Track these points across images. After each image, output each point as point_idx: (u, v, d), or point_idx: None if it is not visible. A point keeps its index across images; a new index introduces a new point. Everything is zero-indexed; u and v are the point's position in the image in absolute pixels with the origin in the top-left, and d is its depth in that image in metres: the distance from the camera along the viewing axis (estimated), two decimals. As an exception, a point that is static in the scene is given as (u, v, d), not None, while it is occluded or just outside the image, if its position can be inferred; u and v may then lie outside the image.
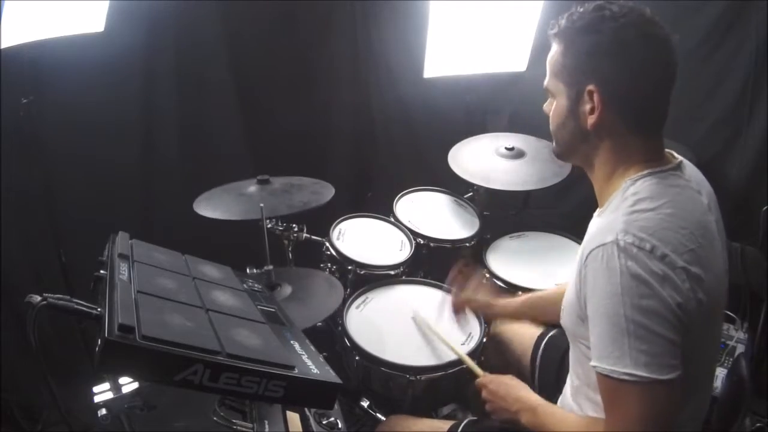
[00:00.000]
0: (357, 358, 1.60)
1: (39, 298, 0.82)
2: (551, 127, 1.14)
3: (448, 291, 1.86)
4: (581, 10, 1.04)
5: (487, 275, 1.97)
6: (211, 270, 1.25)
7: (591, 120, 1.04)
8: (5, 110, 1.95)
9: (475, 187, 2.31)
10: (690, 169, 1.10)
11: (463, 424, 1.35)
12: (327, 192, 1.90)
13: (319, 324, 1.80)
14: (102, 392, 1.01)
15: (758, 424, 1.88)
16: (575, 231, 2.10)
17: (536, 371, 1.53)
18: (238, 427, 1.09)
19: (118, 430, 1.05)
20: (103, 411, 1.00)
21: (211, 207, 1.78)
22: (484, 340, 1.65)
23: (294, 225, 1.98)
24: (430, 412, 1.69)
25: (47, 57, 1.92)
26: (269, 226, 1.89)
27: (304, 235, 1.98)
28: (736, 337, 2.01)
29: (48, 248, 2.09)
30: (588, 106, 1.03)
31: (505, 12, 2.29)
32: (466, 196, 2.34)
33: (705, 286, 0.95)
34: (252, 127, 2.72)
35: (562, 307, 1.13)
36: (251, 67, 2.64)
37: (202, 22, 2.47)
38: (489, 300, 1.61)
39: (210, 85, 2.58)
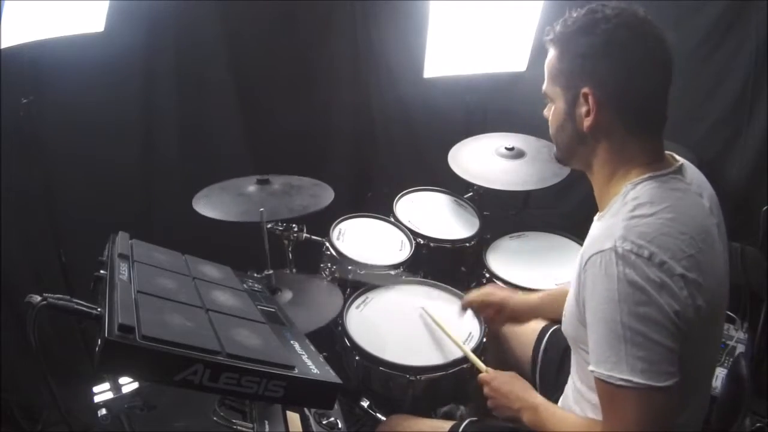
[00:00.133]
0: (357, 358, 1.60)
1: (39, 298, 0.83)
2: (551, 131, 1.15)
3: (448, 291, 1.87)
4: (575, 14, 1.05)
5: (487, 275, 1.97)
6: (211, 270, 1.25)
7: (587, 122, 1.04)
8: (5, 110, 1.95)
9: (475, 187, 2.31)
10: (692, 171, 1.10)
11: (464, 425, 1.35)
12: (326, 195, 1.89)
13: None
14: (102, 392, 1.01)
15: (758, 424, 1.88)
16: (575, 231, 2.11)
17: (538, 365, 1.52)
18: (238, 427, 1.09)
19: (118, 430, 1.05)
20: (103, 411, 1.00)
21: (210, 206, 1.78)
22: (484, 339, 1.65)
23: (294, 225, 1.98)
24: (430, 412, 1.69)
25: (47, 57, 1.92)
26: (269, 226, 1.89)
27: (304, 235, 1.98)
28: (736, 337, 2.01)
29: (48, 248, 2.09)
30: (584, 109, 1.04)
31: (505, 12, 2.29)
32: (466, 196, 2.34)
33: (704, 292, 0.95)
34: (252, 127, 2.72)
35: (563, 313, 1.13)
36: (251, 67, 2.64)
37: (202, 22, 2.47)
38: (504, 296, 1.57)
39: (210, 85, 2.58)
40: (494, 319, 1.57)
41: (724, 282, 1.07)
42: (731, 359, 1.91)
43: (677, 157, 1.10)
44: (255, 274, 1.63)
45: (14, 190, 2.05)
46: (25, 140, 1.96)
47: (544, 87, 1.12)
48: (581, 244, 1.06)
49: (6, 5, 1.59)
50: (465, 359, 1.54)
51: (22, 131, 1.94)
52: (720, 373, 1.85)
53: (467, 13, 2.26)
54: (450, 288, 1.87)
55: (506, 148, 2.19)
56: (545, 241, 2.17)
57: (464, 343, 1.62)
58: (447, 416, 1.72)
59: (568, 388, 1.24)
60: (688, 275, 0.93)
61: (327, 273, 1.96)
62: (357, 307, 1.78)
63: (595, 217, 1.13)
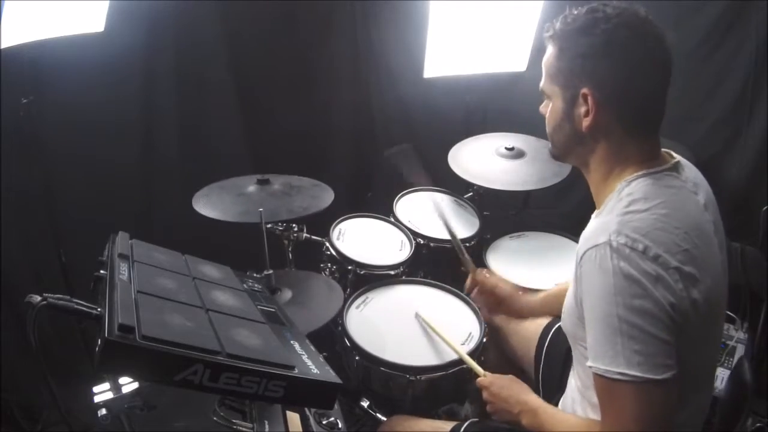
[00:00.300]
0: (357, 358, 1.60)
1: (39, 298, 0.82)
2: (547, 129, 1.15)
3: (448, 291, 1.87)
4: (575, 12, 1.05)
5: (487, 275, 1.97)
6: (211, 270, 1.25)
7: (586, 122, 1.04)
8: (5, 110, 1.95)
9: (475, 187, 2.31)
10: (688, 169, 1.10)
11: (465, 425, 1.35)
12: (326, 196, 1.89)
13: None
14: (102, 392, 1.01)
15: (758, 424, 1.88)
16: (575, 231, 2.09)
17: (541, 363, 1.52)
18: (238, 427, 1.09)
19: (118, 430, 1.05)
20: (103, 411, 1.00)
21: (210, 206, 1.78)
22: (485, 340, 1.65)
23: (294, 225, 1.98)
24: (430, 412, 1.69)
25: (47, 57, 1.91)
26: (269, 226, 1.89)
27: (304, 235, 1.98)
28: (736, 337, 2.01)
29: (48, 248, 2.09)
30: (583, 109, 1.04)
31: (505, 12, 2.29)
32: (466, 196, 2.34)
33: (700, 286, 0.95)
34: (252, 127, 2.72)
35: (563, 311, 1.13)
36: (251, 67, 2.64)
37: (201, 22, 2.47)
38: (512, 291, 1.58)
39: (210, 85, 2.58)
40: (492, 309, 1.57)
41: (723, 280, 1.07)
42: (731, 359, 1.92)
43: (674, 154, 1.10)
44: (255, 274, 1.63)
45: (14, 190, 2.05)
46: (25, 140, 1.96)
47: (541, 84, 1.12)
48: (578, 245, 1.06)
49: (6, 5, 1.59)
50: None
51: (22, 131, 1.94)
52: (721, 374, 1.85)
53: (467, 13, 2.26)
54: (450, 288, 1.87)
55: (506, 148, 2.19)
56: (545, 241, 2.17)
57: (464, 344, 1.62)
58: (450, 414, 1.72)
59: (569, 388, 1.24)
60: (684, 268, 0.93)
61: (327, 273, 1.96)
62: (357, 307, 1.78)
63: (593, 215, 1.13)
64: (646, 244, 0.92)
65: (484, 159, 2.20)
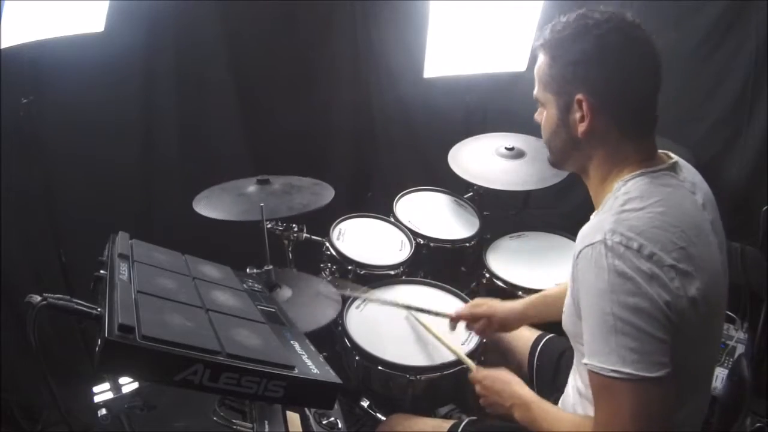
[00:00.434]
0: (357, 358, 1.60)
1: (39, 298, 0.83)
2: (543, 136, 1.15)
3: (448, 291, 1.87)
4: (564, 19, 1.05)
5: (487, 275, 1.97)
6: (211, 270, 1.25)
7: (581, 128, 1.04)
8: (5, 110, 1.95)
9: (475, 187, 2.31)
10: (686, 169, 1.10)
11: (463, 424, 1.35)
12: (327, 194, 1.89)
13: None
14: (102, 392, 1.01)
15: (758, 424, 1.88)
16: (575, 231, 2.06)
17: (534, 375, 1.54)
18: (238, 427, 1.09)
19: (118, 430, 1.05)
20: (103, 411, 1.00)
21: (210, 207, 1.78)
22: (484, 340, 1.65)
23: (294, 225, 1.98)
24: (430, 412, 1.69)
25: (47, 57, 1.92)
26: (269, 226, 1.89)
27: (304, 235, 1.98)
28: (736, 337, 2.01)
29: (48, 248, 2.09)
30: (578, 115, 1.04)
31: (505, 12, 2.29)
32: (466, 196, 2.34)
33: (698, 285, 0.95)
34: (252, 127, 2.72)
35: (563, 311, 1.14)
36: (251, 67, 2.64)
37: (201, 22, 2.48)
38: (490, 305, 1.57)
39: (210, 85, 2.58)
40: (485, 330, 1.57)
41: (722, 280, 1.07)
42: (731, 359, 1.91)
43: (671, 155, 1.10)
44: (255, 270, 1.63)
45: (14, 190, 2.05)
46: (25, 140, 1.96)
47: (534, 92, 1.13)
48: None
49: (6, 5, 1.59)
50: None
51: (22, 131, 1.94)
52: (720, 373, 1.85)
53: (467, 13, 2.26)
54: (450, 288, 1.87)
55: (506, 148, 2.20)
56: (545, 241, 2.17)
57: (464, 344, 1.62)
58: (448, 418, 1.72)
59: (569, 387, 1.24)
60: (679, 266, 0.94)
61: (327, 273, 1.96)
62: (357, 307, 1.78)
63: (592, 216, 1.14)
64: (641, 242, 0.93)
65: (484, 159, 2.20)
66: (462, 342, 1.63)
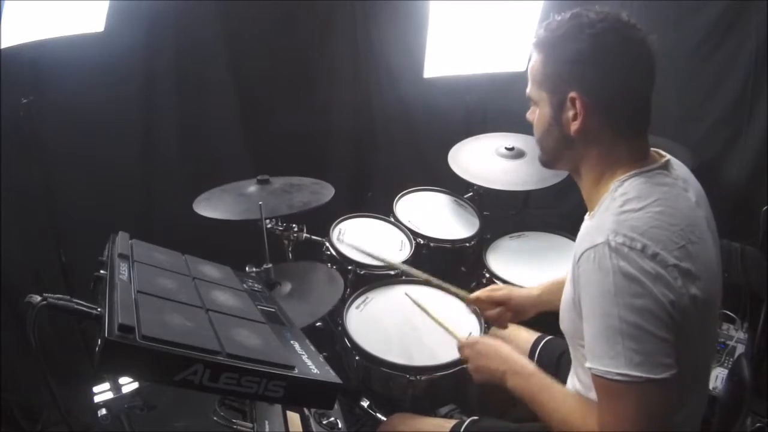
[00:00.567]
0: (357, 358, 1.60)
1: (39, 298, 0.83)
2: (536, 135, 1.15)
3: (448, 291, 1.86)
4: (558, 18, 1.05)
5: (487, 275, 1.97)
6: (211, 270, 1.25)
7: (575, 126, 1.04)
8: (5, 110, 1.95)
9: (475, 187, 2.31)
10: (677, 167, 1.10)
11: (465, 424, 1.35)
12: (327, 192, 1.90)
13: (319, 324, 1.80)
14: (102, 392, 1.01)
15: (758, 424, 1.88)
16: (575, 231, 2.06)
17: None
18: (238, 427, 1.09)
19: (118, 430, 1.05)
20: (103, 411, 1.00)
21: (210, 207, 1.78)
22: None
23: (294, 225, 1.98)
24: (430, 412, 1.69)
25: (47, 57, 1.92)
26: (269, 226, 1.89)
27: (304, 235, 1.98)
28: (736, 337, 2.01)
29: (48, 248, 2.09)
30: (571, 113, 1.04)
31: (505, 12, 2.29)
32: (466, 196, 2.34)
33: (698, 283, 0.96)
34: (252, 127, 2.72)
35: (560, 312, 1.13)
36: (251, 67, 2.64)
37: (201, 22, 2.48)
38: (509, 289, 1.57)
39: (210, 85, 2.58)
40: (500, 316, 1.56)
41: (718, 275, 1.07)
42: (731, 359, 1.91)
43: (662, 152, 1.10)
44: (254, 269, 1.63)
45: (14, 190, 2.05)
46: (25, 140, 1.96)
47: (527, 91, 1.13)
48: (574, 246, 1.06)
49: (6, 5, 1.59)
50: (465, 359, 1.54)
51: (22, 131, 1.94)
52: (720, 373, 1.85)
53: (467, 13, 2.26)
54: (450, 288, 1.87)
55: (506, 148, 2.20)
56: (545, 241, 2.17)
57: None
58: (448, 418, 1.72)
59: (569, 387, 1.24)
60: (681, 265, 0.94)
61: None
62: (357, 307, 1.78)
63: (586, 217, 1.14)
64: (644, 242, 0.93)
65: (484, 159, 2.20)
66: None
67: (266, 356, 0.88)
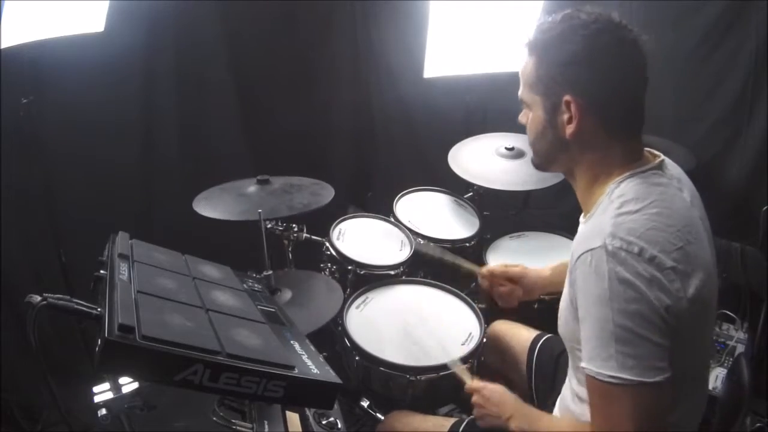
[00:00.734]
0: (357, 358, 1.60)
1: (39, 298, 0.82)
2: (529, 138, 1.15)
3: (448, 291, 1.86)
4: (550, 19, 1.04)
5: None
6: (211, 270, 1.25)
7: (569, 129, 1.04)
8: (5, 110, 1.95)
9: (475, 187, 2.31)
10: (671, 167, 1.10)
11: (465, 423, 1.35)
12: (327, 193, 1.90)
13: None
14: (102, 392, 1.01)
15: (758, 424, 1.88)
16: (575, 231, 2.09)
17: (532, 374, 1.53)
18: (238, 427, 1.09)
19: (118, 430, 1.05)
20: (103, 411, 1.00)
21: (210, 206, 1.78)
22: (484, 340, 1.65)
23: (294, 225, 1.98)
24: (430, 412, 1.69)
25: (47, 57, 1.92)
26: (269, 226, 1.89)
27: (304, 235, 1.98)
28: (736, 337, 2.01)
29: (48, 248, 2.09)
30: (566, 116, 1.04)
31: (505, 12, 2.29)
32: (466, 196, 2.34)
33: (696, 283, 0.96)
34: (252, 127, 2.72)
35: (558, 315, 1.13)
36: (251, 67, 2.64)
37: (201, 22, 2.48)
38: (524, 266, 1.57)
39: (210, 85, 2.59)
40: (511, 293, 1.56)
41: (714, 275, 1.07)
42: (731, 359, 1.91)
43: (656, 152, 1.10)
44: (254, 275, 1.63)
45: (14, 190, 2.06)
46: (25, 140, 1.97)
47: (520, 93, 1.12)
48: (571, 248, 1.06)
49: (6, 5, 1.59)
50: (465, 359, 1.54)
51: (22, 131, 1.94)
52: (720, 374, 1.85)
53: (467, 13, 2.26)
54: (450, 288, 1.87)
55: (506, 148, 2.20)
56: (545, 241, 2.17)
57: (464, 344, 1.63)
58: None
59: (566, 389, 1.24)
60: (679, 267, 0.94)
61: (327, 273, 1.96)
62: (357, 307, 1.78)
63: (581, 219, 1.14)
64: (642, 245, 0.93)
65: (484, 159, 2.20)
66: (462, 342, 1.63)
67: (266, 356, 0.88)
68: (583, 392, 1.14)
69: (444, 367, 1.54)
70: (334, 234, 2.03)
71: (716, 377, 1.84)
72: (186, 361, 0.78)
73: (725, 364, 1.89)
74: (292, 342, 1.04)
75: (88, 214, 2.29)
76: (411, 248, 2.02)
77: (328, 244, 1.97)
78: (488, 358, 1.68)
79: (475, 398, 1.29)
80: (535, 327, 1.65)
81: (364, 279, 1.90)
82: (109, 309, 0.83)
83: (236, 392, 0.82)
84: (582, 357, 0.98)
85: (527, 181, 2.09)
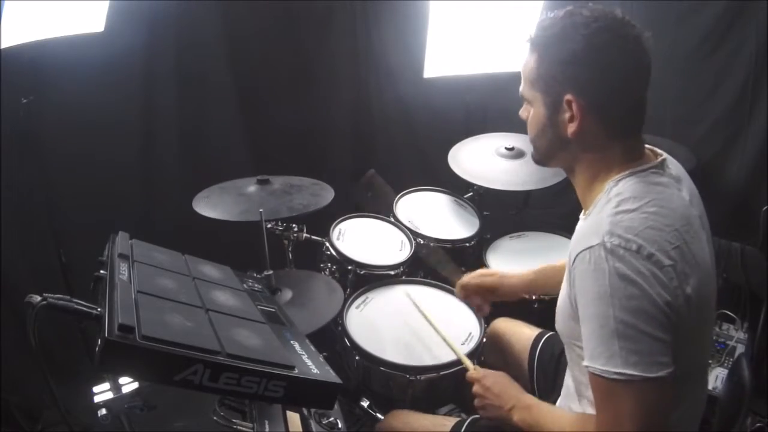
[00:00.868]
0: (357, 358, 1.60)
1: (39, 298, 0.82)
2: (529, 134, 1.14)
3: (448, 291, 1.86)
4: (552, 16, 1.03)
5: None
6: (211, 270, 1.25)
7: (571, 128, 1.03)
8: (5, 110, 1.95)
9: (475, 187, 2.31)
10: (673, 165, 1.10)
11: (467, 423, 1.35)
12: (326, 194, 1.89)
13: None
14: (102, 392, 1.02)
15: (758, 424, 1.88)
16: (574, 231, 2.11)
17: (534, 372, 1.53)
18: (238, 427, 1.09)
19: (118, 430, 1.05)
20: (103, 411, 1.00)
21: (210, 206, 1.78)
22: (484, 340, 1.65)
23: (294, 225, 1.98)
24: (430, 413, 1.69)
25: (47, 57, 1.92)
26: (269, 226, 1.89)
27: (304, 235, 1.98)
28: (736, 337, 2.01)
29: (48, 248, 2.09)
30: (567, 115, 1.03)
31: (505, 12, 2.29)
32: (466, 196, 2.34)
33: (693, 282, 0.96)
34: (252, 127, 2.72)
35: (556, 312, 1.13)
36: (251, 67, 2.64)
37: (202, 22, 2.48)
38: (500, 275, 1.57)
39: (210, 85, 2.58)
40: (480, 308, 1.58)
41: (712, 274, 1.07)
42: (731, 359, 1.91)
43: (658, 151, 1.10)
44: (255, 274, 1.63)
45: (14, 190, 2.05)
46: (25, 140, 1.96)
47: (521, 89, 1.12)
48: (569, 247, 1.06)
49: (6, 5, 1.59)
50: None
51: (22, 131, 1.94)
52: (720, 374, 1.85)
53: (467, 13, 2.26)
54: (450, 288, 1.87)
55: (506, 148, 2.20)
56: (545, 241, 2.17)
57: (464, 344, 1.62)
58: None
59: (565, 389, 1.24)
60: (677, 266, 0.94)
61: (327, 273, 1.96)
62: (357, 307, 1.78)
63: (580, 216, 1.14)
64: (640, 243, 0.93)
65: (484, 159, 2.20)
66: (462, 342, 1.63)
67: (266, 356, 0.88)
68: (582, 388, 1.14)
69: (444, 366, 1.54)
70: (334, 234, 2.03)
71: (716, 377, 1.84)
72: (186, 361, 0.78)
73: (725, 364, 1.89)
74: (292, 342, 1.04)
75: (88, 214, 2.29)
76: (411, 248, 2.02)
77: (328, 244, 1.97)
78: (489, 357, 1.68)
79: (475, 388, 1.28)
80: (536, 325, 1.65)
81: (364, 279, 1.90)
82: (109, 309, 0.83)
83: (236, 392, 0.82)
84: (584, 355, 0.98)
85: (527, 181, 2.09)
